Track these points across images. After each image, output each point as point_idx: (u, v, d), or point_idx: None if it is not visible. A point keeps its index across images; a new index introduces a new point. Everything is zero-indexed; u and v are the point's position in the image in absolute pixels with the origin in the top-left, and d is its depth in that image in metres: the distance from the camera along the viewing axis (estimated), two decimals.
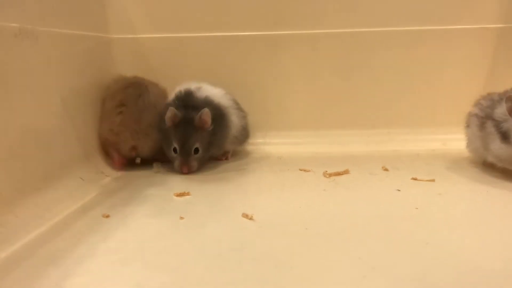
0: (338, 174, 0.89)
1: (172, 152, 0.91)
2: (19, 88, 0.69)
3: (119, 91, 0.95)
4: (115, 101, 0.94)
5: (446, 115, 1.14)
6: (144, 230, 0.64)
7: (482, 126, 0.86)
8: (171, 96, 0.98)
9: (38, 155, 0.72)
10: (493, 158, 0.85)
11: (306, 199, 0.76)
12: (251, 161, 1.03)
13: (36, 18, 0.75)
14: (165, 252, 0.56)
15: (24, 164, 0.68)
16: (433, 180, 0.83)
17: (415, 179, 0.84)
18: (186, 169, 0.89)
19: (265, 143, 1.13)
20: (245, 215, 0.67)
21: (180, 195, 0.79)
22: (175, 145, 0.89)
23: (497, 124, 0.82)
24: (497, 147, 0.82)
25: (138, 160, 0.98)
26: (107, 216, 0.69)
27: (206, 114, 0.89)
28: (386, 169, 0.91)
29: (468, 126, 0.92)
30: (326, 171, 0.90)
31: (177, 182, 0.87)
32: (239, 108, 1.02)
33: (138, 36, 1.15)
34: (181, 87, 0.97)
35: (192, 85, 0.97)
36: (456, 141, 1.09)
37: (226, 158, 1.03)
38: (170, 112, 0.89)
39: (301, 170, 0.93)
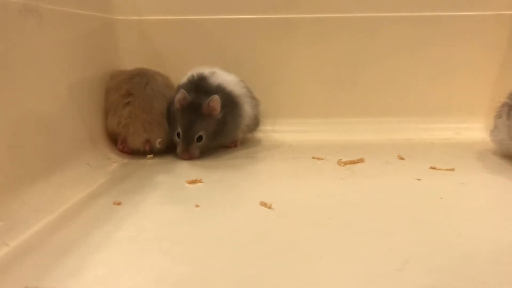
0: (353, 162, 0.87)
1: (176, 137, 0.88)
2: (24, 71, 0.65)
3: (124, 81, 0.91)
4: (121, 91, 0.90)
5: (458, 103, 1.12)
6: (159, 218, 0.61)
7: (509, 113, 0.83)
8: (183, 79, 0.95)
9: (44, 140, 0.69)
10: None
11: (324, 187, 0.73)
12: (261, 148, 1.00)
13: None
14: (184, 242, 0.53)
15: (30, 149, 0.65)
16: (452, 170, 0.80)
17: (434, 168, 0.82)
18: (186, 156, 0.87)
19: (274, 131, 1.10)
20: (264, 204, 0.64)
21: (192, 182, 0.75)
22: (179, 129, 0.87)
23: None
24: None
25: (150, 156, 0.91)
26: (119, 204, 0.66)
27: (215, 101, 0.86)
28: (402, 158, 0.89)
29: (500, 116, 0.89)
30: (341, 159, 0.87)
31: (186, 169, 0.84)
32: (252, 97, 0.99)
33: (143, 18, 1.11)
34: (194, 71, 0.94)
35: (206, 70, 0.94)
36: (469, 130, 1.08)
37: (235, 146, 1.00)
38: (181, 94, 0.86)
39: (314, 158, 0.91)
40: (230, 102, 0.90)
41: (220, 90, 0.90)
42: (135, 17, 1.10)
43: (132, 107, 0.88)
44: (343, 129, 1.09)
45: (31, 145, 0.65)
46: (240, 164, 0.89)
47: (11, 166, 0.59)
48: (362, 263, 0.47)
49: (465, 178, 0.76)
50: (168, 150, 0.92)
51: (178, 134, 0.88)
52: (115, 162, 0.87)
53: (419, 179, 0.76)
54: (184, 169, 0.84)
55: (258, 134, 1.07)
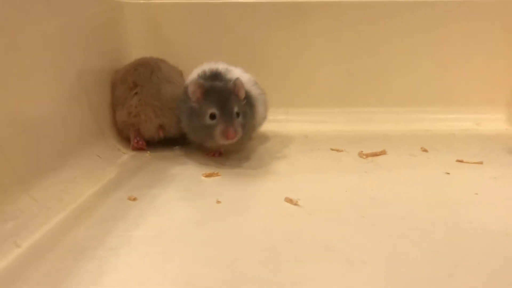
0: (375, 154, 0.83)
1: (208, 120, 0.73)
2: (32, 56, 0.60)
3: (129, 73, 0.87)
4: (127, 84, 0.85)
5: (479, 93, 1.08)
6: (179, 215, 0.57)
7: None
8: (192, 75, 0.85)
9: (53, 131, 0.65)
10: None
11: (349, 182, 0.69)
12: (276, 139, 0.95)
13: None
14: (210, 243, 0.49)
15: (38, 141, 0.60)
16: (481, 163, 0.76)
17: (461, 161, 0.78)
18: (232, 133, 0.70)
19: (288, 120, 1.05)
20: (289, 200, 0.60)
21: (209, 175, 0.71)
22: (212, 110, 0.72)
23: None
24: None
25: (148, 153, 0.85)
26: (134, 199, 0.61)
27: (241, 82, 0.76)
28: (425, 150, 0.85)
29: None
30: (362, 151, 0.83)
31: (200, 161, 0.79)
32: (263, 95, 0.89)
33: (151, 1, 1.06)
34: (205, 67, 0.83)
35: (220, 66, 0.84)
36: (490, 121, 1.04)
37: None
38: (194, 85, 0.75)
39: (333, 149, 0.86)
40: (248, 102, 0.79)
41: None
42: (143, 1, 1.05)
43: (141, 96, 0.83)
44: (359, 119, 1.05)
45: (40, 136, 0.60)
46: (256, 156, 0.85)
47: (19, 158, 0.55)
48: (409, 268, 0.44)
49: (495, 172, 0.72)
50: (178, 141, 0.87)
51: (212, 116, 0.73)
52: (125, 153, 0.82)
53: (448, 173, 0.72)
54: (198, 161, 0.80)
55: (271, 124, 1.02)
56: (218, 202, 0.60)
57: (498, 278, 0.42)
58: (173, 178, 0.71)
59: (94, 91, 0.80)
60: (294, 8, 1.06)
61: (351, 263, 0.45)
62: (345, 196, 0.63)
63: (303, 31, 1.07)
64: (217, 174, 0.72)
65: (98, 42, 0.84)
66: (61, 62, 0.69)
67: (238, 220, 0.55)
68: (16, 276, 0.43)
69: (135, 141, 0.84)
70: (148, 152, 0.84)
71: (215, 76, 0.79)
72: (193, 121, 0.76)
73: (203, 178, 0.71)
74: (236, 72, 0.82)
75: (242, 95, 0.76)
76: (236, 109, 0.73)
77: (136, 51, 0.98)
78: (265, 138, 0.94)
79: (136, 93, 0.84)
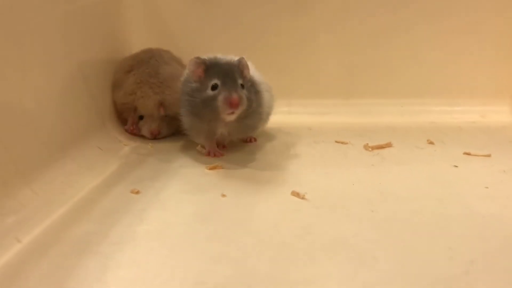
0: (381, 147, 0.81)
1: (210, 91, 0.67)
2: (32, 49, 0.58)
3: (129, 60, 0.87)
4: (126, 68, 0.85)
5: (483, 85, 1.06)
6: (184, 209, 0.56)
7: None
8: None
9: (54, 123, 0.63)
10: None
11: (356, 175, 0.68)
12: (279, 131, 0.94)
13: None
14: (217, 238, 0.48)
15: (39, 133, 0.59)
16: (489, 155, 0.75)
17: (468, 154, 0.76)
18: (236, 99, 0.64)
19: (290, 112, 1.03)
20: (296, 194, 0.59)
21: (213, 168, 0.70)
22: (215, 81, 0.67)
23: None
24: None
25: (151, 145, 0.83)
26: (137, 192, 0.60)
27: (245, 61, 0.71)
28: (431, 142, 0.84)
29: None
30: (367, 143, 0.81)
31: (202, 154, 0.77)
32: (267, 84, 0.84)
33: None
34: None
35: (217, 54, 0.76)
36: (495, 113, 1.03)
37: (255, 140, 0.86)
38: (194, 63, 0.69)
39: (337, 142, 0.85)
40: (254, 88, 0.74)
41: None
42: None
43: (137, 75, 0.82)
44: (363, 110, 1.03)
45: (39, 128, 0.59)
46: (259, 148, 0.83)
47: (20, 151, 0.53)
48: (423, 265, 0.42)
49: (504, 166, 0.71)
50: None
51: (213, 87, 0.67)
52: (127, 145, 0.81)
53: (456, 166, 0.71)
54: (201, 154, 0.78)
55: (274, 116, 1.00)
56: (223, 195, 0.59)
57: None
58: (176, 171, 0.70)
59: (95, 82, 0.78)
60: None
61: (363, 259, 0.43)
62: (353, 189, 0.62)
63: (307, 22, 1.05)
64: (220, 167, 0.70)
65: (98, 32, 0.82)
66: (61, 53, 0.67)
67: (245, 215, 0.54)
68: (17, 272, 0.41)
69: (131, 128, 0.84)
70: (150, 144, 0.82)
71: (216, 60, 0.73)
72: (194, 105, 0.69)
73: (207, 171, 0.69)
74: (234, 58, 0.74)
75: (247, 74, 0.71)
76: (240, 81, 0.68)
77: (136, 40, 0.96)
78: (268, 130, 0.92)
79: (133, 74, 0.83)
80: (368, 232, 0.49)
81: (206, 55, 0.74)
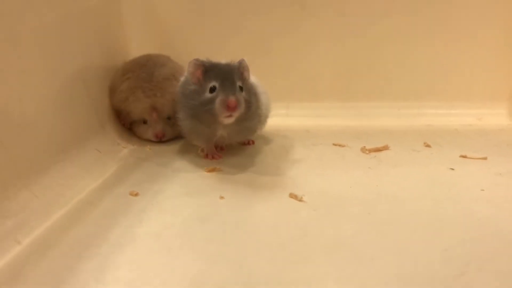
0: (378, 150, 0.82)
1: (208, 94, 0.66)
2: (31, 52, 0.59)
3: (126, 64, 0.87)
4: (121, 72, 0.85)
5: (480, 88, 1.07)
6: (183, 211, 0.56)
7: None
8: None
9: (53, 125, 0.63)
10: None
11: (353, 177, 0.68)
12: (277, 134, 0.94)
13: None
14: (216, 240, 0.48)
15: (38, 135, 0.59)
16: (485, 158, 0.76)
17: (464, 156, 0.77)
18: (233, 102, 0.63)
19: (288, 115, 1.04)
20: (294, 196, 0.60)
21: (211, 170, 0.70)
22: (213, 83, 0.66)
23: None
24: None
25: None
26: (136, 194, 0.60)
27: (246, 63, 0.70)
28: (428, 145, 0.84)
29: None
30: (364, 146, 0.82)
31: (200, 156, 0.78)
32: (262, 87, 0.84)
33: None
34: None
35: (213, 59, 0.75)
36: (492, 116, 1.03)
37: (253, 142, 0.87)
38: (193, 65, 0.68)
39: (335, 145, 0.86)
40: (252, 89, 0.74)
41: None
42: None
43: (131, 80, 0.83)
44: (360, 113, 1.04)
45: (39, 131, 0.59)
46: (257, 150, 0.84)
47: (19, 154, 0.54)
48: (419, 266, 0.43)
49: (500, 168, 0.71)
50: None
51: (211, 89, 0.66)
52: (125, 147, 0.81)
53: (452, 169, 0.71)
54: (200, 156, 0.78)
55: (272, 119, 1.01)
56: (221, 197, 0.59)
57: (510, 276, 0.41)
58: (175, 173, 0.70)
59: (94, 85, 0.78)
60: (295, 1, 1.04)
61: (360, 260, 0.44)
62: (350, 192, 0.62)
63: (305, 25, 1.05)
64: (219, 169, 0.71)
65: (97, 35, 0.82)
66: (60, 56, 0.67)
67: (243, 217, 0.54)
68: (17, 274, 0.42)
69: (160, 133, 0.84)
70: (149, 146, 0.83)
71: (214, 64, 0.71)
72: (193, 107, 0.69)
73: (205, 173, 0.70)
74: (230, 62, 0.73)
75: (247, 76, 0.71)
76: (239, 83, 0.67)
77: (135, 45, 0.97)
78: (266, 132, 0.93)
79: (127, 78, 0.83)
80: (365, 233, 0.50)
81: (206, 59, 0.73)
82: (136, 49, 0.95)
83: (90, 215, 0.54)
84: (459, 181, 0.66)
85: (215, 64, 0.70)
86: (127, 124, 0.86)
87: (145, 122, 0.85)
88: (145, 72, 0.83)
